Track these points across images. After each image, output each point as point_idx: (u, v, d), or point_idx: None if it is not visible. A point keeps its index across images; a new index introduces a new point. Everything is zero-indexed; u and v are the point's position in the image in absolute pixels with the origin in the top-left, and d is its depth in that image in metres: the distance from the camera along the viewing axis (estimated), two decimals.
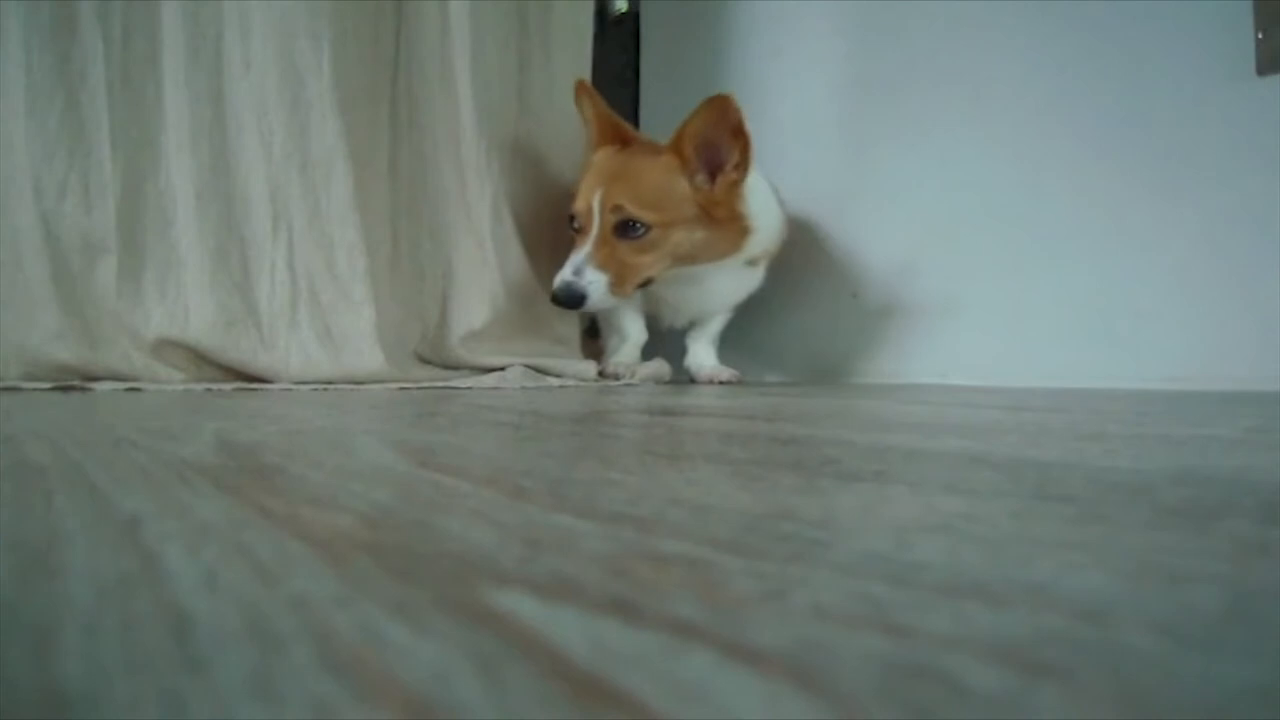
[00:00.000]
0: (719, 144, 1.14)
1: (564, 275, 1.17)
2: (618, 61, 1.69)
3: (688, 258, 1.21)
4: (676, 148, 1.16)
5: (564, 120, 1.36)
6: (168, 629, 0.13)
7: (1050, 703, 0.10)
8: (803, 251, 1.42)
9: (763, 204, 1.24)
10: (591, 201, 1.17)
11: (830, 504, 0.24)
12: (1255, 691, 0.11)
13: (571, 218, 1.21)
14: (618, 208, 1.15)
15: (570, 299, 1.17)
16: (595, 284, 1.16)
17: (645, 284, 1.23)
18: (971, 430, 0.47)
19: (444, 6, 1.24)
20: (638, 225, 1.15)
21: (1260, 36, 1.01)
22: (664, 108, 1.21)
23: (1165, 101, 1.09)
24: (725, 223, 1.19)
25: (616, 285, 1.17)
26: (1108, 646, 0.12)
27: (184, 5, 1.10)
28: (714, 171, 1.17)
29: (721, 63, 1.59)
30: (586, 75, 1.41)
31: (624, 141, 1.25)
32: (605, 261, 1.16)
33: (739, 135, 1.14)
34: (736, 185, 1.17)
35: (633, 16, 1.76)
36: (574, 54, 1.42)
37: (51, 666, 0.11)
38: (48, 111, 1.03)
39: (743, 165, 1.16)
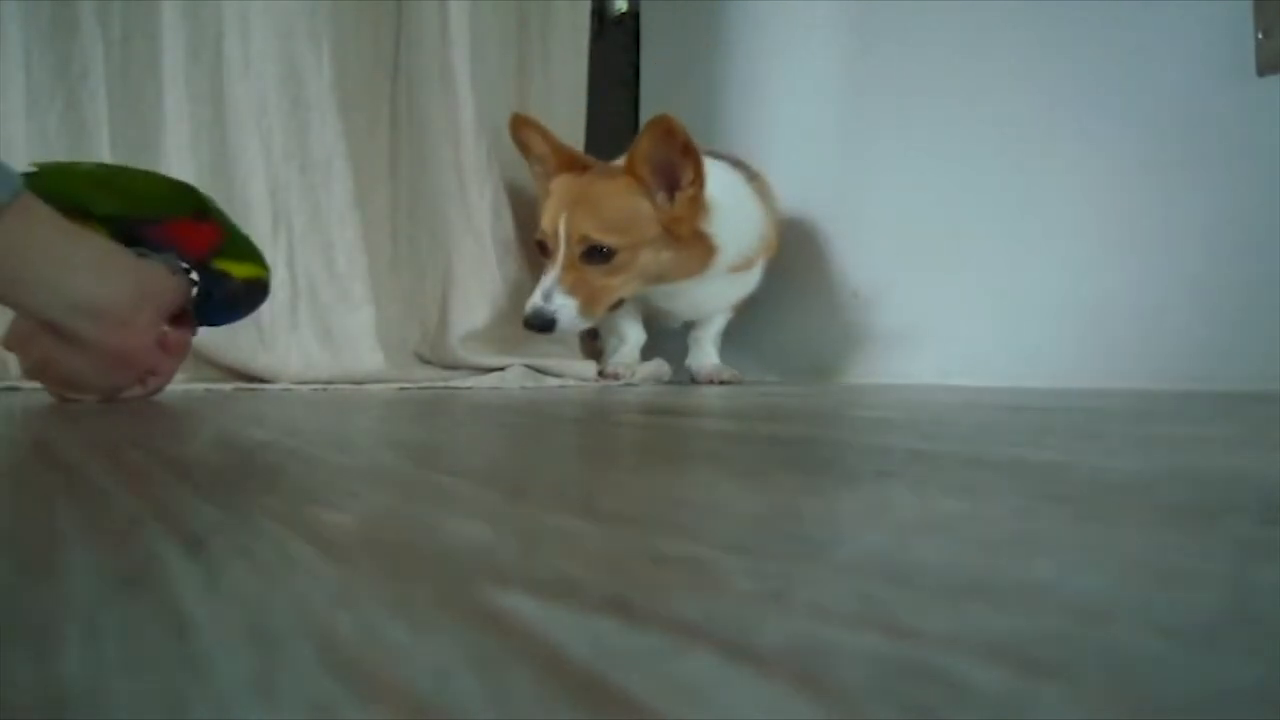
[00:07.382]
0: (672, 163, 1.14)
1: (534, 300, 1.16)
2: (618, 61, 1.69)
3: (657, 278, 1.21)
4: (631, 170, 1.16)
5: (563, 120, 1.36)
6: (168, 629, 0.13)
7: (1050, 703, 0.10)
8: (803, 251, 1.42)
9: (732, 217, 1.22)
10: (558, 225, 1.16)
11: (830, 504, 0.24)
12: (1255, 691, 0.11)
13: (540, 243, 1.20)
14: (584, 237, 1.15)
15: (541, 324, 1.16)
16: (565, 308, 1.16)
17: (616, 306, 1.23)
18: (971, 430, 0.47)
19: (444, 7, 1.24)
20: (604, 250, 1.15)
21: (1260, 37, 1.01)
22: (664, 108, 1.22)
23: (1165, 102, 1.09)
24: (689, 242, 1.18)
25: (586, 308, 1.17)
26: (1108, 646, 0.12)
27: (184, 5, 1.10)
28: (672, 190, 1.16)
29: (721, 63, 1.58)
30: (584, 75, 1.41)
31: (581, 167, 1.23)
32: (574, 286, 1.16)
33: (688, 153, 1.13)
34: (696, 201, 1.16)
35: (633, 16, 1.75)
36: (573, 54, 1.42)
37: (51, 666, 0.11)
38: (48, 111, 1.03)
39: (697, 181, 1.15)
